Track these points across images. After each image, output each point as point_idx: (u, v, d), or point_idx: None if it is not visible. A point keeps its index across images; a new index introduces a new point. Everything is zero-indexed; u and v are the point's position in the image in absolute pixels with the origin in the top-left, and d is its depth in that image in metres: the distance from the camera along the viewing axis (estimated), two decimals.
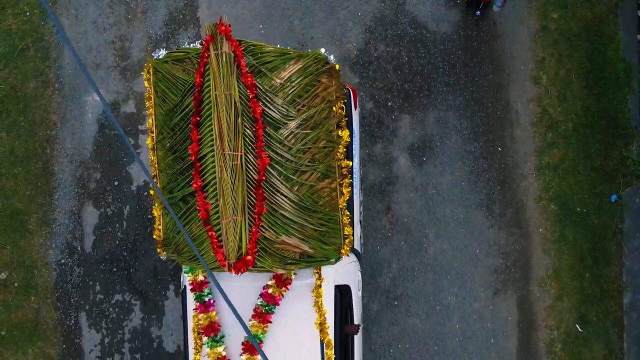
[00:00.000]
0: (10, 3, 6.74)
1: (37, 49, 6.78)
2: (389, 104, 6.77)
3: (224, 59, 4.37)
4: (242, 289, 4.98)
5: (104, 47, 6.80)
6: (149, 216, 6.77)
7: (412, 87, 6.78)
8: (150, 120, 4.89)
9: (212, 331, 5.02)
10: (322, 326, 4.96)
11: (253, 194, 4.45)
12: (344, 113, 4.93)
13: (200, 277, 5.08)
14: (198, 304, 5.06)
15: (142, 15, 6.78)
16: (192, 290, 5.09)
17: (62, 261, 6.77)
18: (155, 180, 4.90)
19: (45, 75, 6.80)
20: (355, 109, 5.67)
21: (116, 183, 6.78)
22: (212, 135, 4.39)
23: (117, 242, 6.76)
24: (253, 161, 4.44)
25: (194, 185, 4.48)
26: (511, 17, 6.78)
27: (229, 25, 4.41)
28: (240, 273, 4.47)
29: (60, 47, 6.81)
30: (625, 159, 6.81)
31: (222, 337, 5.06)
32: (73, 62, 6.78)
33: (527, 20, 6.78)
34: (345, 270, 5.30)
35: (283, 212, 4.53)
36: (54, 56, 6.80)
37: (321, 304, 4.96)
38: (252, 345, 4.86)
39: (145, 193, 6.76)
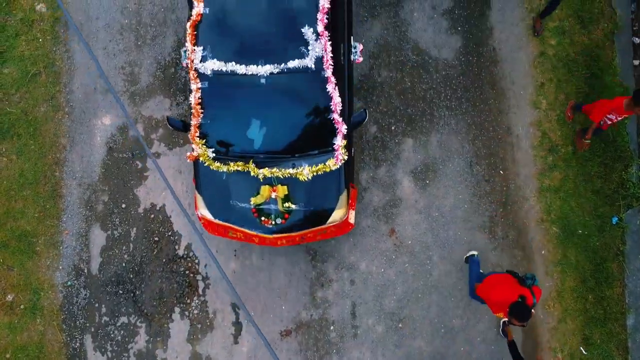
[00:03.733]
0: (24, 30, 6.72)
1: (49, 74, 6.74)
2: (393, 128, 6.70)
3: None
4: None
5: (114, 72, 6.76)
6: (156, 238, 6.64)
7: (415, 111, 6.72)
8: None
9: None
10: None
11: None
12: None
13: None
14: None
15: (151, 41, 6.75)
16: None
17: (69, 283, 6.61)
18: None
19: (56, 100, 6.74)
20: None
21: (123, 205, 6.66)
22: None
23: (124, 264, 6.61)
24: None
25: None
26: (510, 44, 6.76)
27: None
28: None
29: (71, 72, 6.77)
30: (625, 181, 6.70)
31: None
32: (83, 86, 6.74)
33: (526, 47, 6.75)
34: None
35: None
36: (64, 81, 6.75)
37: None
38: None
39: (152, 215, 6.64)
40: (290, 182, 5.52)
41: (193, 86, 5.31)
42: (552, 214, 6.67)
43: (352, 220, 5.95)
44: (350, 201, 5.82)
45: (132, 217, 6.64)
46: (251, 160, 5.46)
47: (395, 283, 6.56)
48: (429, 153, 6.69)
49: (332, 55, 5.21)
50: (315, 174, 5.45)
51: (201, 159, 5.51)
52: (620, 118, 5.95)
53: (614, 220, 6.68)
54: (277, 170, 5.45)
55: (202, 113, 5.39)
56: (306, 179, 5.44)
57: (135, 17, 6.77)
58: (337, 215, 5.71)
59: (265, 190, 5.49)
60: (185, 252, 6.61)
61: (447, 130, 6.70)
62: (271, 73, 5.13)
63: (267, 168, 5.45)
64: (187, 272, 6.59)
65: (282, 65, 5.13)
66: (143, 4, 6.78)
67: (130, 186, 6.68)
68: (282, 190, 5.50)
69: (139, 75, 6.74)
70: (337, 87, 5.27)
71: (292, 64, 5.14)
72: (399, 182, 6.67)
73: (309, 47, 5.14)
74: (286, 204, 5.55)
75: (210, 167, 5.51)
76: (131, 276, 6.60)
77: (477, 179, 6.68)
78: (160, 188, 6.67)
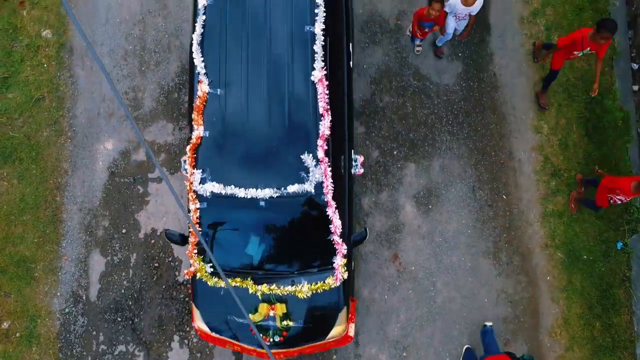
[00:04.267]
0: (30, 55, 6.77)
1: (52, 99, 6.75)
2: (395, 152, 6.69)
3: None
4: None
5: None
6: (156, 264, 6.53)
7: (417, 136, 6.71)
8: None
9: None
10: None
11: None
12: None
13: None
14: None
15: (155, 66, 6.79)
16: None
17: (67, 310, 6.47)
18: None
19: (59, 124, 6.73)
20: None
21: (124, 231, 6.58)
22: None
23: (123, 291, 6.49)
24: None
25: None
26: (511, 69, 6.81)
27: None
28: None
29: (75, 97, 6.78)
30: (628, 206, 6.64)
31: None
32: (86, 111, 6.74)
33: (526, 72, 6.80)
34: None
35: None
36: (68, 106, 6.76)
37: None
38: None
39: (153, 241, 6.55)
40: (289, 298, 5.41)
41: (192, 206, 5.24)
42: (556, 239, 6.59)
43: (351, 333, 5.80)
44: (350, 315, 5.71)
45: (133, 243, 6.55)
46: (249, 277, 5.37)
47: (399, 310, 6.42)
48: (432, 178, 6.65)
49: (332, 175, 5.16)
50: (314, 291, 5.38)
51: (199, 275, 5.44)
52: (629, 199, 5.86)
53: (619, 245, 6.59)
54: (276, 287, 5.36)
55: (200, 230, 5.30)
56: (305, 297, 5.36)
57: (140, 43, 6.84)
58: (336, 332, 5.59)
59: (263, 308, 5.38)
60: (185, 279, 6.49)
61: (449, 155, 6.68)
62: (271, 197, 5.06)
63: (265, 285, 5.36)
64: (187, 299, 6.45)
65: (282, 189, 5.06)
66: (147, 30, 6.85)
67: (131, 211, 6.61)
68: (280, 308, 5.39)
69: (142, 101, 6.76)
70: (337, 210, 5.21)
71: (292, 188, 5.06)
72: (401, 206, 6.61)
73: (309, 173, 5.07)
74: (285, 322, 5.43)
75: (208, 282, 5.43)
76: (130, 303, 6.46)
77: (480, 203, 6.63)
78: (162, 213, 6.60)
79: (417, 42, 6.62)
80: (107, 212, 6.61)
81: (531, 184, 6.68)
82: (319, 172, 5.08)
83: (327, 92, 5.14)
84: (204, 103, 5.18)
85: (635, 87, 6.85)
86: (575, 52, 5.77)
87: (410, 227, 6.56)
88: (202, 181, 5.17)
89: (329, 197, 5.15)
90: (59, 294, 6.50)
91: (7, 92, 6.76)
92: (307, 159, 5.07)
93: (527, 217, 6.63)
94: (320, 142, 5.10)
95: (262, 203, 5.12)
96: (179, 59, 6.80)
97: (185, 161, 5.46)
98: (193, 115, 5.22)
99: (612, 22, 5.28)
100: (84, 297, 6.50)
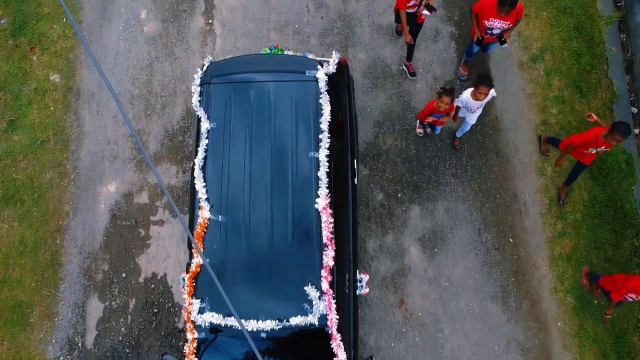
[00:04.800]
0: (37, 99, 6.84)
1: (57, 141, 6.77)
2: (399, 195, 6.64)
3: None
4: None
5: (122, 140, 6.80)
6: (155, 310, 6.34)
7: (421, 178, 6.69)
8: None
9: None
10: None
11: None
12: None
13: None
14: None
15: (161, 110, 6.85)
16: None
17: (61, 358, 6.22)
18: None
19: (63, 167, 6.72)
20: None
21: (124, 275, 6.43)
22: None
23: (120, 338, 6.26)
24: None
25: None
26: (512, 112, 6.86)
27: None
28: None
29: (80, 140, 6.80)
30: (637, 248, 6.53)
31: None
32: (90, 153, 6.74)
33: (528, 115, 6.85)
34: None
35: None
36: (72, 148, 6.76)
37: None
38: None
39: (153, 285, 6.39)
40: None
41: (189, 336, 5.10)
42: (565, 283, 6.44)
43: None
44: None
45: (132, 287, 6.38)
46: None
47: (406, 358, 6.18)
48: (437, 221, 6.57)
49: (335, 296, 5.00)
50: None
51: None
52: None
53: None
54: None
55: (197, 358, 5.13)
56: None
57: (146, 87, 6.92)
58: None
59: None
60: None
61: (453, 198, 6.62)
62: (272, 329, 4.89)
63: None
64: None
65: (284, 321, 4.88)
66: (154, 75, 6.96)
67: (132, 254, 6.48)
68: None
69: (147, 143, 6.77)
70: (342, 343, 4.99)
71: (295, 320, 4.86)
72: (406, 250, 6.49)
73: (313, 305, 4.89)
74: None
75: None
76: (127, 351, 6.23)
77: (486, 247, 6.51)
78: (163, 257, 6.48)
79: (419, 123, 6.65)
80: (107, 256, 6.48)
81: (538, 227, 6.59)
82: (323, 305, 4.88)
83: (332, 220, 4.98)
84: (205, 230, 5.05)
85: (637, 131, 6.89)
86: (590, 149, 5.75)
87: (416, 271, 6.42)
88: (201, 311, 4.99)
89: (333, 330, 4.91)
90: (54, 340, 6.27)
91: (12, 135, 6.79)
92: (311, 291, 4.88)
93: (534, 260, 6.49)
94: (324, 273, 4.91)
95: (263, 334, 4.92)
96: (184, 103, 6.87)
97: (183, 279, 5.30)
98: (193, 243, 5.06)
99: (626, 126, 5.32)
100: (79, 344, 6.26)
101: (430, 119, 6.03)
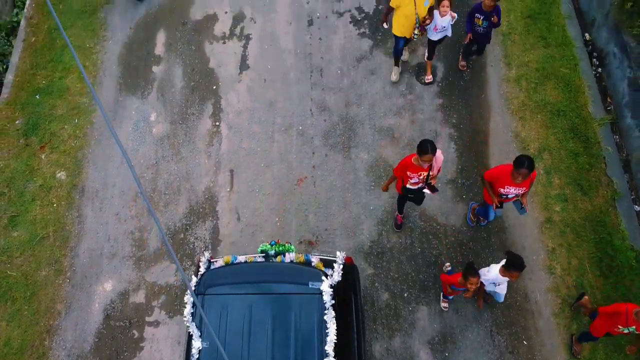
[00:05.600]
0: (41, 196, 6.86)
1: (57, 238, 6.66)
2: (405, 295, 6.39)
3: None
4: None
5: (123, 237, 6.69)
6: None
7: (427, 277, 6.48)
8: None
9: None
10: None
11: None
12: None
13: None
14: None
15: (164, 207, 6.84)
16: None
17: None
18: None
19: (60, 263, 6.54)
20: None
21: None
22: None
23: None
24: None
25: None
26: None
27: None
28: None
29: (80, 237, 6.70)
30: None
31: None
32: (89, 250, 6.59)
33: (532, 213, 6.82)
34: None
35: None
36: (72, 244, 6.64)
37: None
38: None
39: None
40: None
41: None
42: None
43: None
44: None
45: None
46: None
47: None
48: (446, 322, 6.25)
49: None
50: None
51: None
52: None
53: None
54: None
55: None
56: None
57: (151, 185, 6.97)
58: None
59: None
60: None
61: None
62: None
63: None
64: None
65: None
66: (160, 173, 7.05)
67: (123, 358, 6.07)
68: None
69: (147, 241, 6.66)
70: None
71: None
72: (415, 354, 6.10)
73: None
74: None
75: None
76: None
77: (500, 350, 6.13)
78: None
79: (443, 297, 6.40)
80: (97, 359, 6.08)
81: (552, 328, 6.25)
82: None
83: None
84: None
85: None
86: (619, 326, 5.36)
87: None
88: None
89: None
90: None
91: (12, 231, 6.71)
92: None
93: None
94: None
95: None
96: (187, 201, 6.87)
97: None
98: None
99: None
100: None
101: (452, 293, 5.91)
